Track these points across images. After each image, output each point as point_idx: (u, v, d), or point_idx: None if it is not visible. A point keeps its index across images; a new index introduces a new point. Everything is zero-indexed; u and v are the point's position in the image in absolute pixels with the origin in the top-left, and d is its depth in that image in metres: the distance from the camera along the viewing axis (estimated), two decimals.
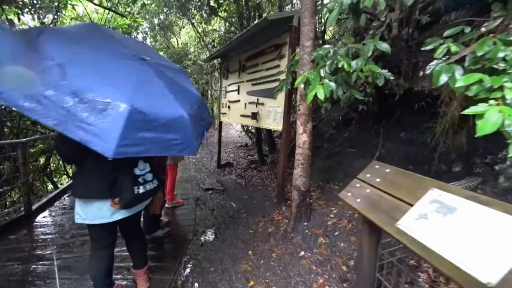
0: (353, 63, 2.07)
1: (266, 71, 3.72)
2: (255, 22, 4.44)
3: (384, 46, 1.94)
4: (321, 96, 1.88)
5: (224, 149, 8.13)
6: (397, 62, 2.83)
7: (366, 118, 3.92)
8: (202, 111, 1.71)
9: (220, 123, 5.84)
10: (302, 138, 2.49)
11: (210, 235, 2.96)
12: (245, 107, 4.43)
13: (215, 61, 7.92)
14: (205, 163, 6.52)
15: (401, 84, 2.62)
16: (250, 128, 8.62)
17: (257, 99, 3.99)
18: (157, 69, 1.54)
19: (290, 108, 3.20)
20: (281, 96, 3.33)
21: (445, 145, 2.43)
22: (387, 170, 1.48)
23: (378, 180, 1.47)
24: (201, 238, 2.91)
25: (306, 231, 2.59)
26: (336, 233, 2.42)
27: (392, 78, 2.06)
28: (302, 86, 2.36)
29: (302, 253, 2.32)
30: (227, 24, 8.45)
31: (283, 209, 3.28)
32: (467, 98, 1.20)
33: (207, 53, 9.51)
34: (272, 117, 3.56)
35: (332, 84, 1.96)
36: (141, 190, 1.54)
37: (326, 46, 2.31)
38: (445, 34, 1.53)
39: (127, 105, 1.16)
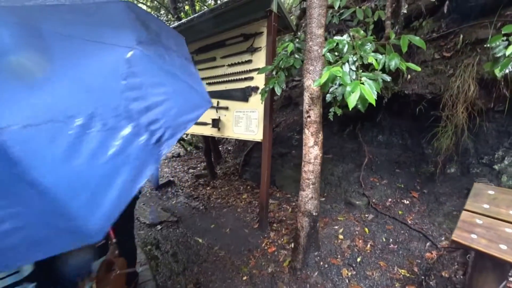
0: (381, 58, 1.74)
1: (230, 67, 3.01)
2: (215, 4, 3.58)
3: (418, 41, 1.69)
4: (371, 100, 1.43)
5: None
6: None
7: (333, 121, 3.82)
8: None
9: None
10: (313, 152, 1.99)
11: None
12: None
13: None
14: (141, 188, 5.01)
15: (390, 88, 2.55)
16: (183, 135, 7.46)
17: (217, 102, 3.20)
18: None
19: (271, 113, 2.64)
20: (256, 99, 2.73)
21: (431, 147, 2.49)
22: (491, 192, 1.18)
23: (486, 206, 1.14)
24: None
25: (321, 263, 2.12)
26: (359, 259, 2.07)
27: (389, 80, 1.85)
28: (315, 86, 1.86)
29: None
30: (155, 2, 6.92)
31: (271, 236, 2.69)
32: None
33: None
34: (244, 124, 2.90)
35: (372, 85, 1.56)
36: None
37: (339, 37, 1.90)
38: (504, 31, 1.39)
39: None
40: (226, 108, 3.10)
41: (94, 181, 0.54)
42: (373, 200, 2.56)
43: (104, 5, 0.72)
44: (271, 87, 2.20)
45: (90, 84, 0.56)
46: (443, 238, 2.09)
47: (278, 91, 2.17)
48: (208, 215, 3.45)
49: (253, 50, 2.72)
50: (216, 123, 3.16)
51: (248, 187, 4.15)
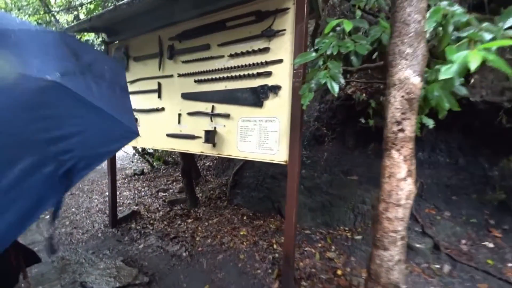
0: None
1: (234, 58, 2.13)
2: None
3: None
4: None
5: (100, 186, 5.23)
6: None
7: (344, 133, 3.18)
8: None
9: None
10: (405, 187, 1.22)
11: None
12: (179, 122, 2.53)
13: (92, 38, 4.88)
14: (79, 221, 3.64)
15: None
16: (147, 148, 6.17)
17: (212, 108, 2.28)
18: None
19: (302, 123, 1.83)
20: (276, 103, 1.91)
21: (497, 168, 1.96)
22: None
23: None
24: None
25: None
26: None
27: None
28: (416, 79, 1.12)
29: None
30: None
31: None
32: None
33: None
34: (256, 139, 2.03)
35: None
36: None
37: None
38: None
39: None
40: (227, 116, 2.19)
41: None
42: (442, 242, 1.90)
43: (41, 34, 0.75)
44: (322, 82, 1.39)
45: None
46: None
47: (334, 89, 1.38)
48: (197, 267, 2.42)
49: (271, 34, 1.91)
50: (210, 136, 2.22)
51: (245, 218, 3.23)
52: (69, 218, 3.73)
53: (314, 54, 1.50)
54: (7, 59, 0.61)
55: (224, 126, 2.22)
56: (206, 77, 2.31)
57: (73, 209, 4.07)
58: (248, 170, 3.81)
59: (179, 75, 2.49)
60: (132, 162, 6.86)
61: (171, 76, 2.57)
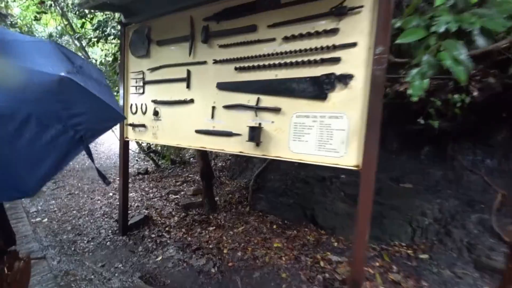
0: None
1: (290, 42, 1.79)
2: None
3: None
4: None
5: (102, 185, 4.79)
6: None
7: (386, 134, 2.87)
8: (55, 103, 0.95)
9: (126, 144, 2.93)
10: None
11: None
12: (212, 116, 2.17)
13: (103, 18, 4.42)
14: (82, 226, 3.22)
15: None
16: (152, 146, 5.76)
17: (258, 100, 1.93)
18: None
19: (380, 121, 1.51)
20: (344, 95, 1.59)
21: None
22: None
23: None
24: None
25: None
26: None
27: None
28: None
29: None
30: None
31: None
32: None
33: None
34: (316, 138, 1.70)
35: None
36: None
37: None
38: None
39: None
40: (276, 111, 1.85)
41: (34, 154, 0.83)
42: None
43: (38, 43, 1.04)
44: (446, 65, 1.06)
45: (29, 95, 0.83)
46: None
47: (461, 75, 1.06)
48: (230, 286, 2.06)
49: (343, 12, 1.57)
50: (256, 134, 1.87)
51: (274, 227, 2.88)
52: (70, 222, 3.31)
53: (419, 29, 1.18)
54: (31, 61, 0.88)
55: (273, 122, 1.88)
56: (250, 64, 1.96)
57: (74, 212, 3.64)
58: (272, 173, 3.47)
59: (215, 62, 2.14)
60: (137, 161, 6.41)
61: (204, 62, 2.21)
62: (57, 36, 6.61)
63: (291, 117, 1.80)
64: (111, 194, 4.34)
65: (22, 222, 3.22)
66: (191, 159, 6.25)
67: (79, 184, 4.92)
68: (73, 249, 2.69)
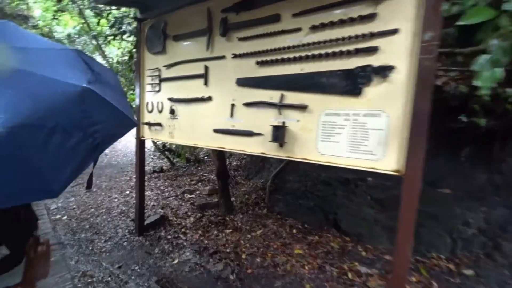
0: None
1: (318, 31, 1.62)
2: None
3: None
4: None
5: (119, 183, 4.83)
6: None
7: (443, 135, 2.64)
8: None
9: (142, 143, 2.87)
10: None
11: None
12: (231, 114, 2.04)
13: (119, 13, 4.42)
14: (100, 225, 3.22)
15: None
16: (167, 144, 5.74)
17: (281, 97, 1.77)
18: None
19: (428, 120, 1.31)
20: (381, 90, 1.40)
21: None
22: None
23: None
24: None
25: None
26: None
27: None
28: None
29: None
30: None
31: None
32: None
33: None
34: (348, 138, 1.52)
35: None
36: None
37: None
38: None
39: None
40: (303, 108, 1.69)
41: (59, 160, 0.90)
42: None
43: (61, 51, 1.10)
44: None
45: (55, 105, 0.89)
46: None
47: None
48: None
49: None
50: (280, 134, 1.72)
51: (294, 231, 2.73)
52: (88, 220, 3.32)
53: (490, 12, 0.97)
54: (57, 72, 0.94)
55: (298, 121, 1.71)
56: (273, 57, 1.80)
57: (92, 209, 3.66)
58: (291, 174, 3.30)
59: (234, 56, 1.99)
60: (152, 159, 6.44)
61: (223, 57, 2.07)
62: (76, 36, 6.74)
63: (319, 115, 1.63)
64: (127, 192, 4.35)
65: (43, 219, 3.27)
66: (206, 157, 6.20)
67: (97, 181, 4.98)
68: (90, 248, 2.67)
